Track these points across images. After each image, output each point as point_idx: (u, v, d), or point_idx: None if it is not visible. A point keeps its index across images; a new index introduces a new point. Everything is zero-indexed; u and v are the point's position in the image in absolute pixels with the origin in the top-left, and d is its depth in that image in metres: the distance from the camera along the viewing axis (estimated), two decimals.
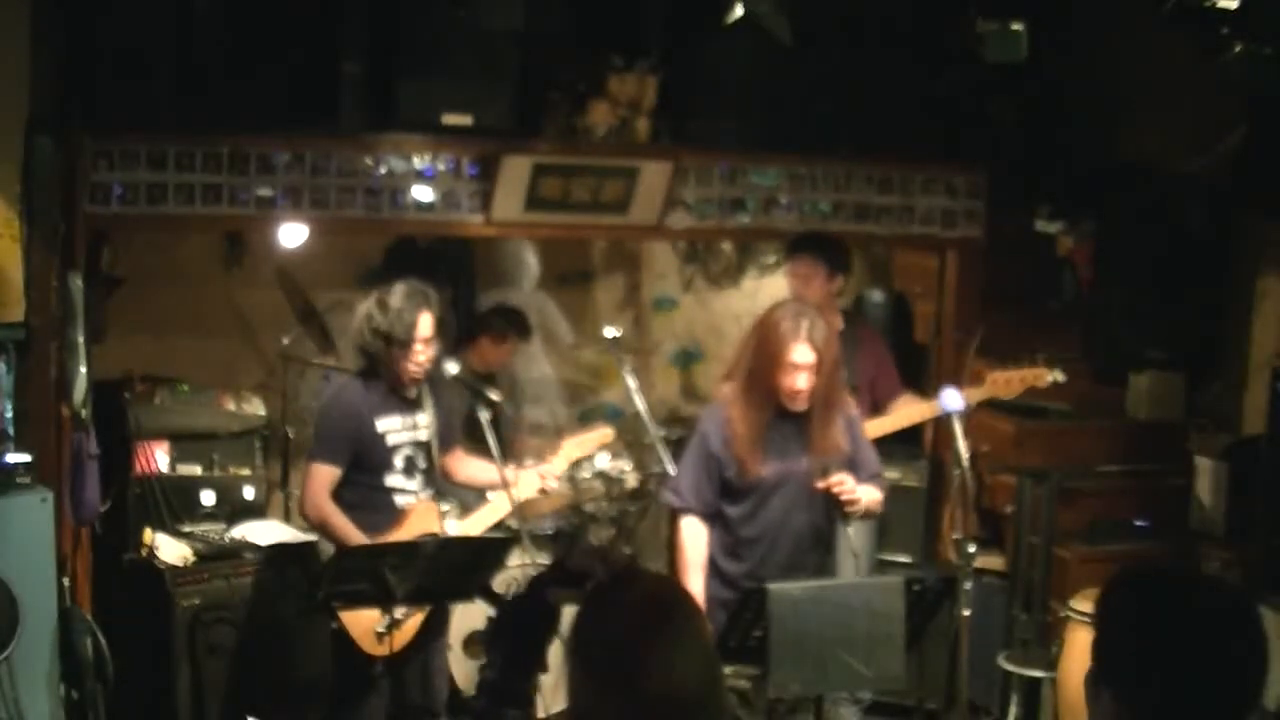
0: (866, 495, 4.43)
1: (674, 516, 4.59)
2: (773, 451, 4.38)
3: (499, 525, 5.51)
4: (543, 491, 5.05)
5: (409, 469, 4.77)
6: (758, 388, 4.36)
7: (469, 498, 5.31)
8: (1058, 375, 5.31)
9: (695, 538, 4.44)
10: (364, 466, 4.70)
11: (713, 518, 4.46)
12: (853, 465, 4.46)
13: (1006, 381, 5.32)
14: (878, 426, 5.26)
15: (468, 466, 5.04)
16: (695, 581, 4.37)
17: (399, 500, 4.76)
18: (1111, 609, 2.13)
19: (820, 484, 4.35)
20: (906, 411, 5.44)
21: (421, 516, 4.74)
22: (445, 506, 4.97)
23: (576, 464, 5.46)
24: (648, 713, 2.13)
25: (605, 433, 5.29)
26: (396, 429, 4.74)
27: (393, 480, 4.75)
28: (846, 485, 4.36)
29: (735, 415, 4.40)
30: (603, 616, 2.25)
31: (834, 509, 4.46)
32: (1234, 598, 2.12)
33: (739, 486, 4.40)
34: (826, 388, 4.35)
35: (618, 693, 2.15)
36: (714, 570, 4.46)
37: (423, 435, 4.80)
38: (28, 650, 4.35)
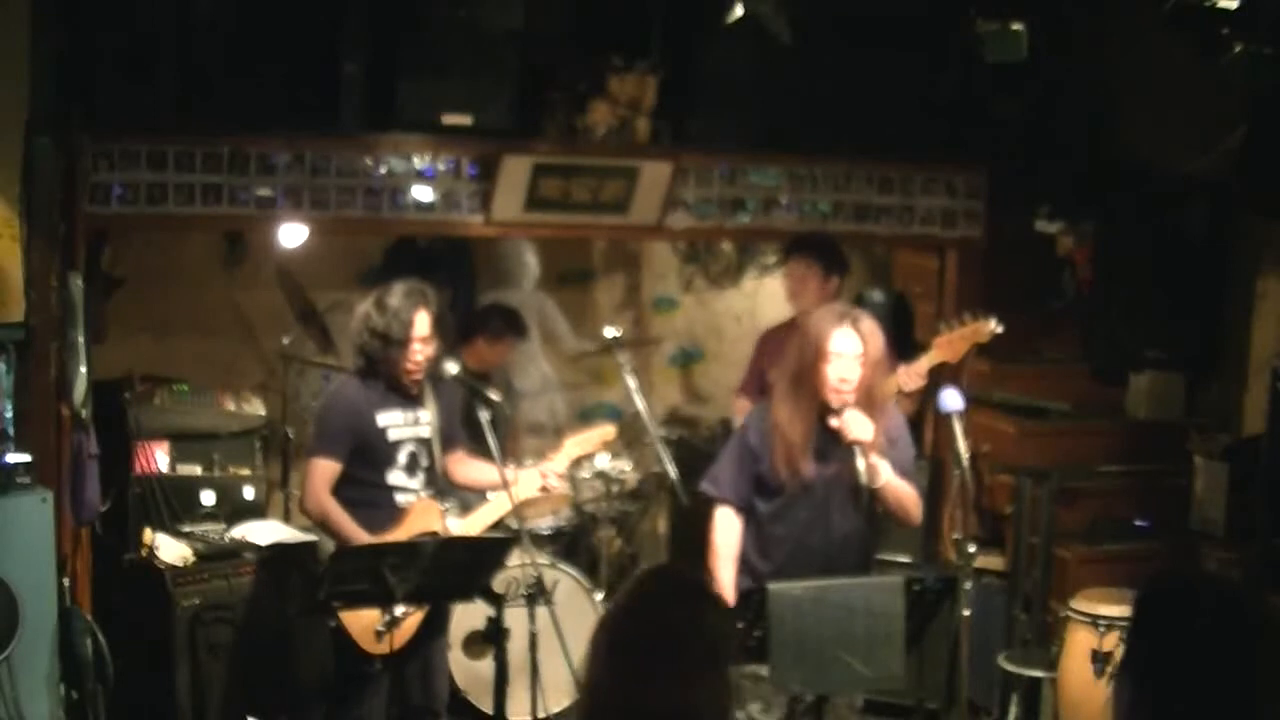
0: (885, 470, 4.29)
1: (709, 506, 4.52)
2: (814, 454, 4.33)
3: (498, 525, 5.52)
4: (544, 490, 5.05)
5: (411, 466, 4.78)
6: (803, 390, 4.28)
7: (470, 497, 5.31)
8: (995, 326, 5.21)
9: (729, 529, 4.42)
10: (366, 463, 4.70)
11: (748, 512, 4.43)
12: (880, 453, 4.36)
13: (950, 343, 5.23)
14: None
15: (469, 468, 5.03)
16: (726, 573, 4.33)
17: (399, 499, 4.75)
18: (1150, 608, 2.15)
19: (831, 422, 4.25)
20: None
21: (421, 515, 4.74)
22: (446, 505, 4.97)
23: (577, 463, 5.45)
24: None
25: (606, 430, 5.29)
26: (398, 424, 4.75)
27: (395, 478, 4.75)
28: (850, 418, 4.21)
29: (782, 420, 4.31)
30: (647, 622, 2.27)
31: (874, 513, 4.40)
32: (1263, 612, 2.14)
33: (772, 484, 4.36)
34: (872, 382, 4.26)
35: (629, 695, 2.16)
36: (746, 568, 4.40)
37: (425, 432, 4.80)
38: (28, 650, 4.35)
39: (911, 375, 5.20)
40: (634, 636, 2.25)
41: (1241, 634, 2.08)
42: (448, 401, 4.92)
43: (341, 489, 4.69)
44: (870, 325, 4.27)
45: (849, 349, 4.21)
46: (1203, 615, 2.10)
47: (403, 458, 4.76)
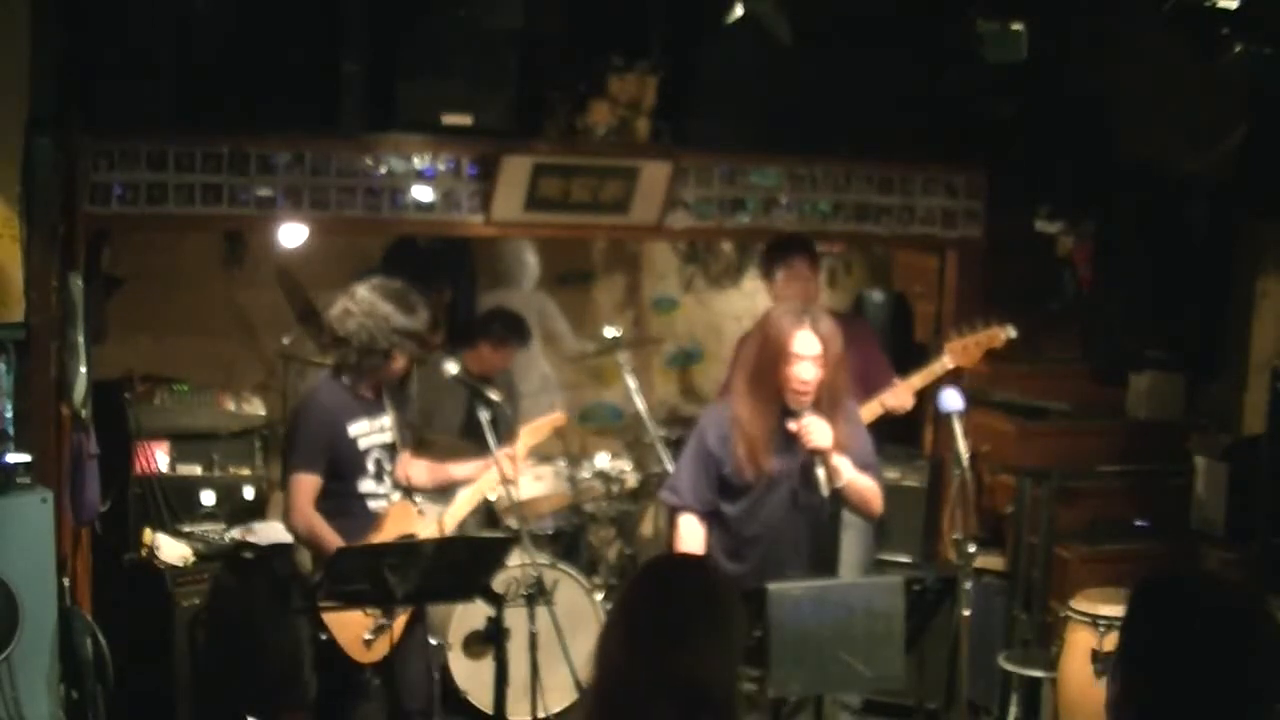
0: (846, 468, 4.29)
1: (672, 515, 4.53)
2: (776, 449, 4.32)
3: (498, 525, 5.52)
4: (504, 480, 4.97)
5: (379, 473, 4.74)
6: (763, 387, 4.28)
7: (456, 492, 5.28)
8: (1010, 331, 5.25)
9: (693, 536, 4.40)
10: (338, 473, 4.64)
11: (711, 517, 4.41)
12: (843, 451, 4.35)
13: (964, 349, 5.27)
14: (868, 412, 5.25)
15: (413, 469, 4.95)
16: None
17: (372, 505, 4.70)
18: (1139, 606, 2.16)
19: (790, 426, 4.24)
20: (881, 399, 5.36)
21: (398, 519, 4.70)
22: (418, 504, 4.95)
23: (565, 452, 5.41)
24: (671, 695, 2.16)
25: (556, 416, 5.27)
26: (366, 432, 4.70)
27: (365, 486, 4.70)
28: (809, 425, 4.20)
29: (743, 417, 4.31)
30: (661, 594, 2.29)
31: (836, 504, 4.39)
32: (1255, 608, 2.14)
33: (737, 484, 4.35)
34: (832, 383, 4.26)
35: (648, 668, 2.18)
36: None
37: (388, 437, 4.77)
38: (28, 650, 4.34)
39: (903, 394, 5.21)
40: (645, 612, 2.27)
41: (1235, 632, 2.08)
42: (401, 404, 4.90)
43: (316, 501, 4.62)
44: (829, 326, 4.27)
45: (809, 351, 4.22)
46: (1198, 612, 2.11)
47: (371, 465, 4.72)
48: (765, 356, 4.29)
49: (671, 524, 4.52)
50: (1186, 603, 2.13)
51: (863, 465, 4.39)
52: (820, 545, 4.47)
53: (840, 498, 4.36)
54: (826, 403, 4.28)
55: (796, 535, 4.39)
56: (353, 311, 4.63)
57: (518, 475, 5.07)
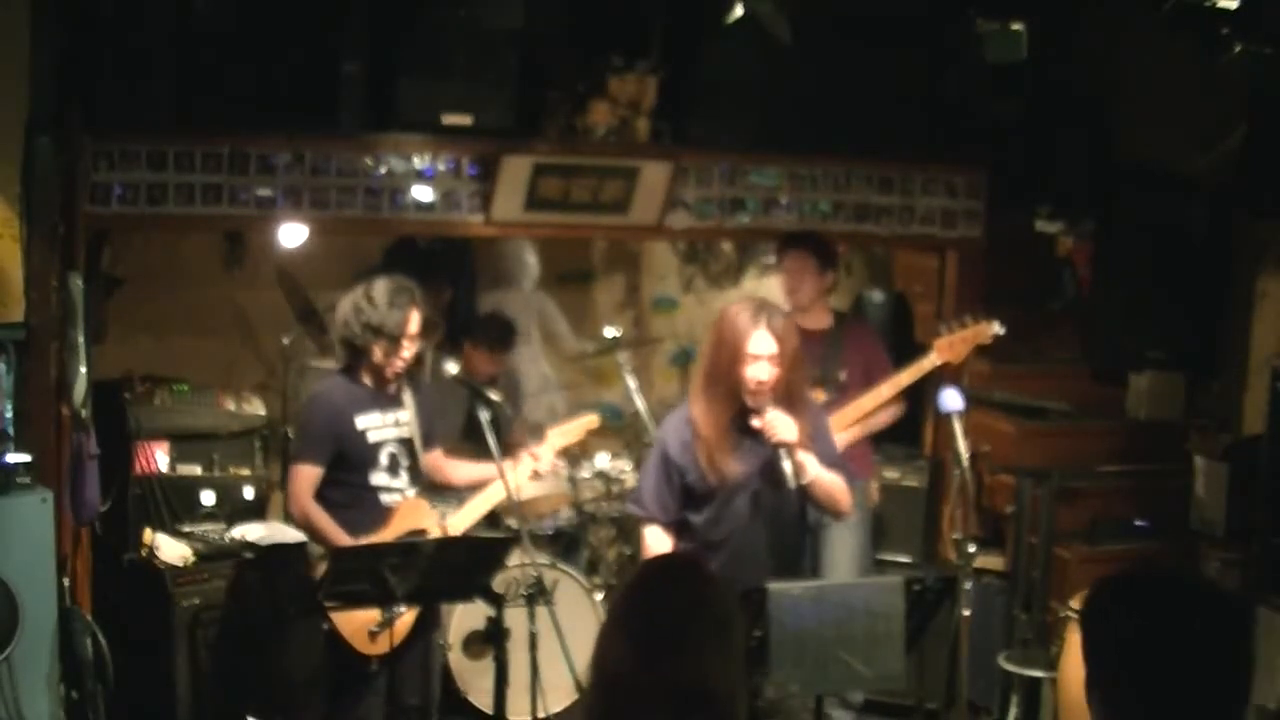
0: (812, 464, 4.21)
1: (638, 527, 4.47)
2: (735, 451, 4.24)
3: (498, 525, 5.52)
4: (536, 474, 5.03)
5: (394, 467, 4.76)
6: (719, 385, 4.22)
7: (465, 494, 5.30)
8: (997, 327, 5.25)
9: (659, 547, 4.32)
10: (348, 465, 4.69)
11: (678, 527, 4.33)
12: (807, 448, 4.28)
13: (951, 346, 5.27)
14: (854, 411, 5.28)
15: (448, 468, 5.01)
16: None
17: (385, 499, 4.74)
18: (1093, 614, 2.14)
19: (754, 422, 4.19)
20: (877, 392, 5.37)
21: (409, 514, 4.73)
22: (435, 504, 4.96)
23: (564, 452, 5.43)
24: (671, 698, 2.16)
25: (590, 419, 5.28)
26: (377, 425, 4.73)
27: (378, 479, 4.73)
28: (774, 419, 4.15)
29: (698, 416, 4.25)
30: (656, 597, 2.30)
31: (808, 505, 4.34)
32: (1219, 601, 2.12)
33: (700, 491, 4.27)
34: (789, 381, 4.21)
35: (647, 673, 2.18)
36: None
37: (405, 432, 4.79)
38: (28, 650, 4.35)
39: (890, 406, 5.27)
40: (644, 614, 2.27)
41: (1202, 628, 2.06)
42: (426, 402, 4.91)
43: (327, 491, 4.68)
44: (784, 324, 4.20)
45: (764, 350, 4.16)
46: (1161, 608, 2.09)
47: (384, 459, 4.74)
48: (721, 357, 4.22)
49: (639, 535, 4.48)
50: (1150, 601, 2.11)
51: (829, 464, 4.33)
52: (786, 548, 4.38)
53: (807, 495, 4.30)
54: (785, 400, 4.22)
55: (761, 539, 4.31)
56: (343, 304, 4.72)
57: (548, 470, 5.14)
